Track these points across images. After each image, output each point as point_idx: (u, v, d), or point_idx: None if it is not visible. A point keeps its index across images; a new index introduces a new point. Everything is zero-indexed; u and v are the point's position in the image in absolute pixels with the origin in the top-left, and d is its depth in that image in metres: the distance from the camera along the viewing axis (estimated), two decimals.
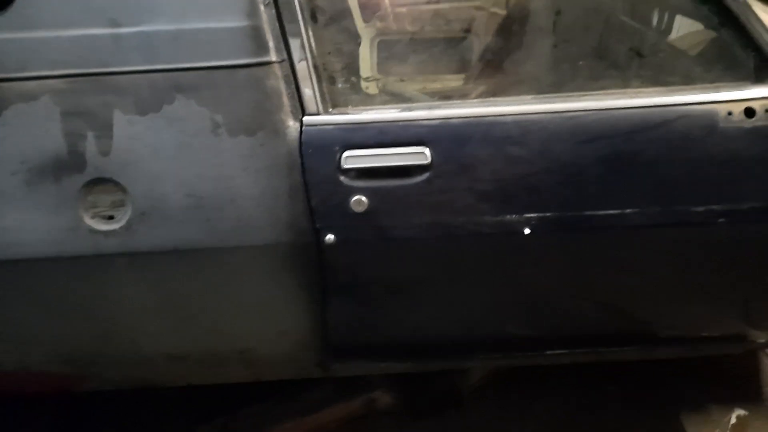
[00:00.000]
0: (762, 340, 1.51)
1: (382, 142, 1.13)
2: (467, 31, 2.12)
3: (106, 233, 1.14)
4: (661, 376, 1.84)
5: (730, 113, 1.13)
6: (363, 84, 1.99)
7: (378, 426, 1.76)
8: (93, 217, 1.14)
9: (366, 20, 2.16)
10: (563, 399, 1.79)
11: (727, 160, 1.14)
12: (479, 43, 2.08)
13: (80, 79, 1.08)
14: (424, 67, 1.97)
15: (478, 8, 2.08)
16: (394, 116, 1.15)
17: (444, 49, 2.06)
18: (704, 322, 1.43)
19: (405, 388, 1.82)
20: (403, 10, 2.20)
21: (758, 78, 1.16)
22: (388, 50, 2.16)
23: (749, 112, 1.13)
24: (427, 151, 1.13)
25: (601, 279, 1.27)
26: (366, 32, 2.16)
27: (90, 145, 1.10)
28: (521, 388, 1.83)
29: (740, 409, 1.77)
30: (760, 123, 1.13)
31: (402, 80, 2.06)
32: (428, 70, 1.96)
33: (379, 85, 1.88)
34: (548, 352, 1.48)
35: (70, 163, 1.10)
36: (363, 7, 2.13)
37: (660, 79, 1.21)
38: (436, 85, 1.89)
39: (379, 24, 2.19)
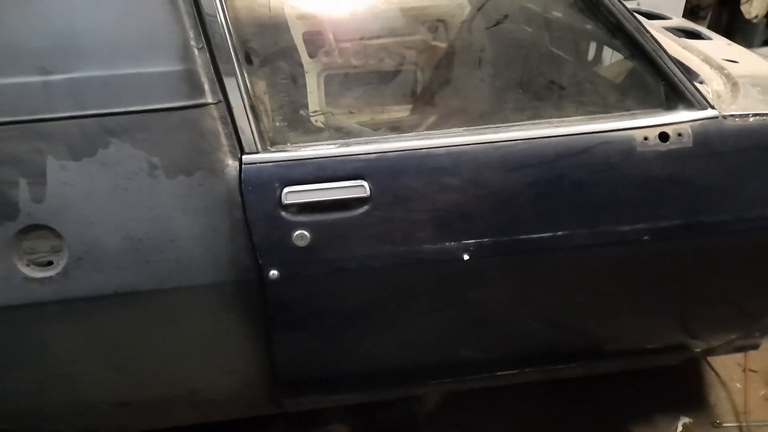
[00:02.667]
0: (699, 349, 1.59)
1: (322, 177, 1.16)
2: (410, 64, 2.19)
3: (42, 280, 1.12)
4: (607, 387, 1.90)
5: (646, 138, 1.21)
6: (311, 118, 2.03)
7: None
8: (28, 265, 1.11)
9: (312, 55, 2.21)
10: (514, 415, 1.83)
11: (645, 182, 1.21)
12: (420, 75, 2.15)
13: (10, 126, 1.07)
14: (368, 99, 2.02)
15: (418, 43, 2.15)
16: (332, 152, 1.18)
17: (386, 82, 2.12)
18: (643, 335, 1.50)
19: (361, 419, 1.82)
20: (348, 45, 2.25)
21: (669, 104, 1.25)
22: (333, 84, 2.21)
23: (663, 137, 1.21)
24: (365, 184, 1.16)
25: (541, 299, 1.32)
26: (312, 67, 2.21)
27: (23, 193, 1.08)
28: (476, 411, 1.86)
29: (685, 417, 1.84)
30: (673, 146, 1.21)
31: (350, 112, 2.11)
32: (372, 102, 2.01)
33: (323, 119, 1.91)
34: (498, 373, 1.51)
35: (1, 211, 1.08)
36: (308, 43, 2.17)
37: (582, 108, 1.28)
38: (381, 117, 1.93)
39: (324, 59, 2.24)
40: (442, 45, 2.05)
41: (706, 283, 1.36)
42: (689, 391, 1.96)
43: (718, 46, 1.69)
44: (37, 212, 1.09)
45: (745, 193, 1.25)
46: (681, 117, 1.23)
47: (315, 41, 2.18)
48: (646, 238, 1.23)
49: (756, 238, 1.28)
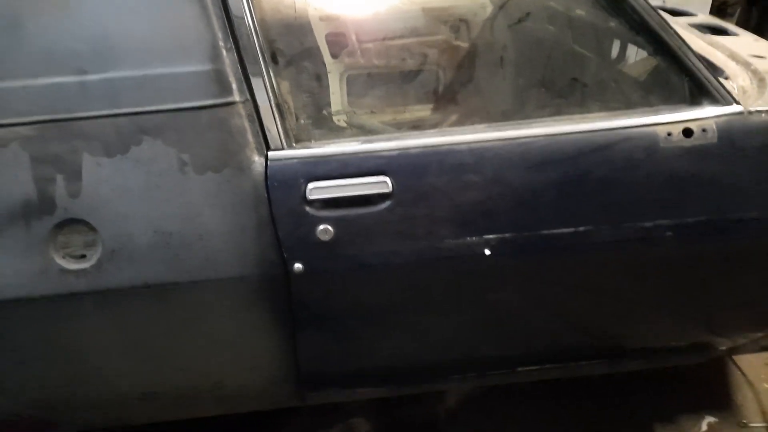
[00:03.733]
0: (724, 348, 1.57)
1: (345, 173, 1.18)
2: (432, 63, 2.21)
3: (77, 272, 1.16)
4: (632, 387, 1.88)
5: (669, 134, 1.21)
6: (334, 117, 2.06)
7: None
8: (64, 257, 1.16)
9: (334, 56, 2.24)
10: (538, 416, 1.83)
11: (669, 178, 1.21)
12: (442, 74, 2.17)
13: (49, 125, 1.12)
14: (390, 99, 2.04)
15: (440, 42, 2.17)
16: (356, 148, 1.20)
17: (407, 82, 2.14)
18: (667, 334, 1.49)
19: (383, 414, 1.84)
20: (370, 45, 2.28)
21: (693, 100, 1.25)
22: (356, 84, 2.24)
23: (687, 132, 1.21)
24: (388, 180, 1.18)
25: (561, 296, 1.32)
26: (335, 67, 2.24)
27: (59, 189, 1.13)
28: (497, 409, 1.86)
29: (710, 416, 1.82)
30: (697, 142, 1.21)
31: (372, 112, 2.13)
32: (394, 102, 2.03)
33: (346, 118, 1.94)
34: (519, 369, 1.52)
35: (40, 206, 1.13)
36: (331, 44, 2.21)
37: (605, 105, 1.29)
38: (402, 117, 1.95)
39: (347, 59, 2.27)
40: (464, 44, 2.07)
41: (730, 281, 1.35)
42: (715, 391, 1.94)
43: (745, 42, 1.67)
44: (73, 207, 1.13)
45: None
46: (705, 113, 1.22)
47: (338, 42, 2.22)
48: (668, 234, 1.23)
49: None
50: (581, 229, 1.22)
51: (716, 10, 3.78)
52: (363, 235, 1.20)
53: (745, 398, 1.90)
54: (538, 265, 1.27)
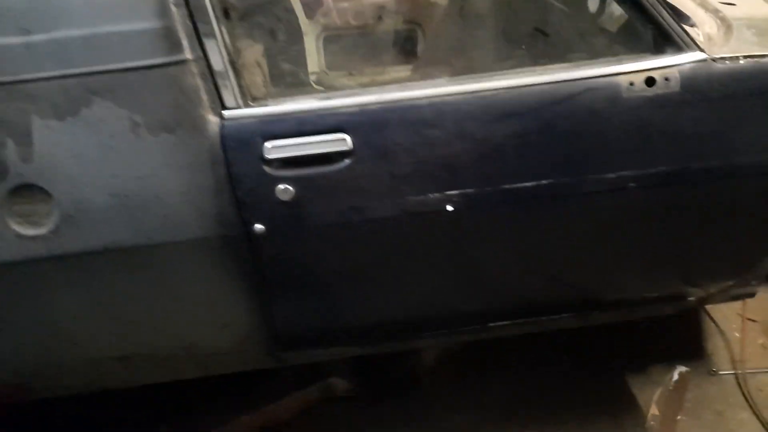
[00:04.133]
0: (694, 298, 1.59)
1: (303, 131, 1.16)
2: (409, 22, 2.16)
3: (35, 238, 1.15)
4: (604, 339, 1.91)
5: (632, 83, 1.19)
6: (311, 78, 2.01)
7: (337, 411, 1.80)
8: (20, 224, 1.15)
9: (309, 17, 2.19)
10: (517, 373, 1.86)
11: (632, 128, 1.20)
12: (420, 33, 2.12)
13: None
14: (366, 59, 2.00)
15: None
16: (313, 106, 1.18)
17: (382, 41, 2.10)
18: (636, 285, 1.50)
19: (362, 373, 1.86)
20: (345, 5, 2.23)
21: (657, 49, 1.22)
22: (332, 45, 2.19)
23: (650, 81, 1.19)
24: (347, 137, 1.16)
25: (526, 249, 1.32)
26: (310, 29, 2.19)
27: (10, 153, 1.11)
28: (476, 367, 1.89)
29: (682, 366, 1.86)
30: (660, 91, 1.19)
31: (351, 74, 2.10)
32: (370, 62, 2.00)
33: (316, 80, 1.90)
34: (491, 325, 1.53)
35: None
36: (305, 5, 2.15)
37: (568, 55, 1.26)
38: (381, 78, 1.91)
39: (322, 20, 2.22)
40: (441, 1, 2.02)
41: (696, 231, 1.36)
42: (687, 340, 1.97)
43: None
44: (26, 172, 1.12)
45: (735, 138, 1.23)
46: (668, 61, 1.20)
47: (312, 2, 2.16)
48: (632, 185, 1.23)
49: (746, 185, 1.26)
50: (544, 182, 1.21)
51: None
52: (324, 194, 1.19)
53: (716, 347, 1.94)
54: (501, 219, 1.27)
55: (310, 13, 2.20)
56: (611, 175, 1.22)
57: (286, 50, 1.62)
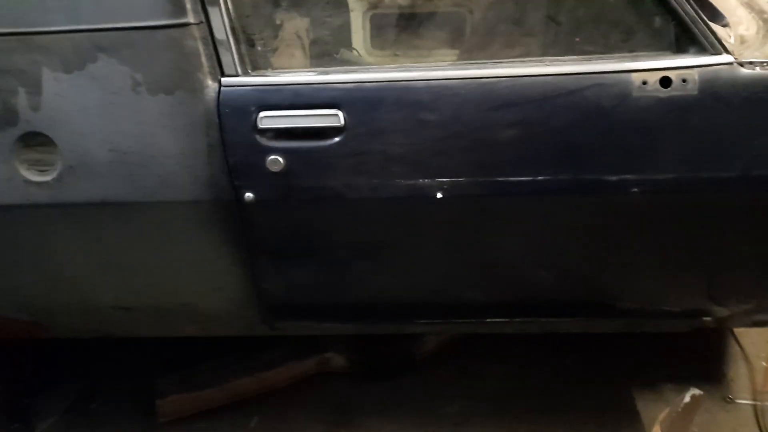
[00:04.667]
0: (710, 317, 1.49)
1: (297, 103, 1.16)
2: (460, 5, 2.11)
3: (40, 184, 1.21)
4: (621, 348, 1.83)
5: (645, 82, 1.11)
6: (353, 54, 2.00)
7: (332, 386, 1.82)
8: (28, 169, 1.21)
9: None
10: (517, 368, 1.82)
11: (639, 129, 1.13)
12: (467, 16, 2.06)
13: (11, 38, 1.15)
14: (411, 41, 1.97)
15: None
16: (310, 79, 1.18)
17: (427, 22, 2.05)
18: (642, 295, 1.42)
19: (359, 351, 1.88)
20: None
21: (679, 47, 1.14)
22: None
23: (665, 82, 1.11)
24: (340, 113, 1.16)
25: (519, 245, 1.28)
26: (357, 5, 2.17)
27: (22, 101, 1.17)
28: (477, 358, 1.86)
29: (696, 388, 1.76)
30: (675, 93, 1.11)
31: (396, 55, 2.08)
32: (415, 44, 1.96)
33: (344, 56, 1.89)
34: (487, 320, 1.50)
35: (4, 117, 1.17)
36: None
37: (582, 47, 1.20)
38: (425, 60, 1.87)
39: None
40: None
41: (709, 243, 1.27)
42: (707, 361, 1.86)
43: None
44: (35, 120, 1.18)
45: (758, 147, 1.13)
46: (688, 61, 1.12)
47: None
48: (634, 190, 1.16)
49: (759, 199, 1.17)
50: (540, 178, 1.17)
51: None
52: (313, 168, 1.19)
53: (738, 374, 1.82)
54: (493, 212, 1.23)
55: None
56: (612, 178, 1.16)
57: (331, 24, 1.61)
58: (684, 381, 1.77)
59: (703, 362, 1.86)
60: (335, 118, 1.15)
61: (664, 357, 1.84)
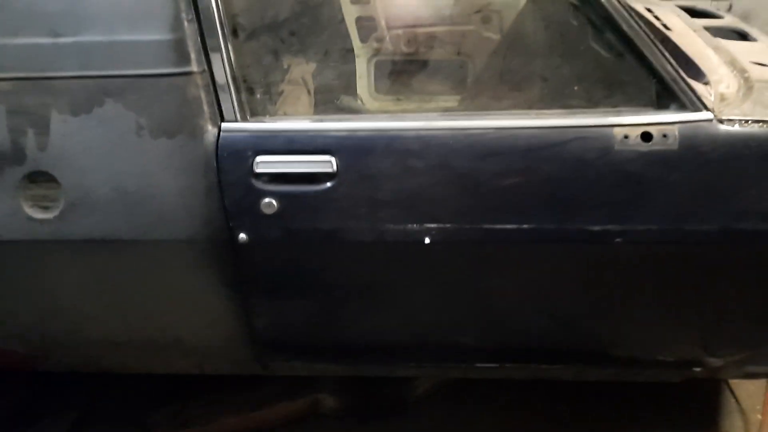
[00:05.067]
0: (699, 368, 1.49)
1: (291, 149, 1.21)
2: (461, 53, 2.18)
3: (42, 221, 1.26)
4: (614, 399, 1.82)
5: (626, 136, 1.16)
6: (358, 101, 2.07)
7: (322, 427, 1.81)
8: (31, 207, 1.26)
9: (363, 40, 2.26)
10: (510, 413, 1.81)
11: (620, 182, 1.16)
12: (471, 64, 2.13)
13: (24, 81, 1.21)
14: (416, 86, 2.03)
15: (470, 32, 2.14)
16: (304, 126, 1.23)
17: (433, 71, 2.12)
18: (628, 343, 1.42)
19: (351, 392, 1.87)
20: (399, 32, 2.28)
21: (660, 104, 1.19)
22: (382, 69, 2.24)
23: (646, 137, 1.15)
24: (333, 159, 1.20)
25: (505, 292, 1.30)
26: (363, 51, 2.26)
27: (30, 141, 1.22)
28: (469, 401, 1.86)
29: None
30: (655, 147, 1.15)
31: (398, 99, 2.14)
32: (420, 89, 2.03)
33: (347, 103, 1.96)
34: (477, 365, 1.51)
35: (12, 156, 1.23)
36: (361, 28, 2.22)
37: (566, 102, 1.25)
38: (427, 106, 1.93)
39: (375, 45, 2.28)
40: (495, 35, 2.03)
41: (694, 293, 1.29)
42: (701, 413, 1.84)
43: (759, 48, 1.56)
44: (41, 159, 1.23)
45: (738, 202, 1.17)
46: (668, 118, 1.16)
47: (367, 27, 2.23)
48: (618, 240, 1.19)
49: (742, 252, 1.19)
50: (524, 226, 1.20)
51: None
52: (306, 212, 1.23)
53: (733, 426, 1.80)
54: (479, 258, 1.26)
55: (364, 36, 2.26)
56: (596, 228, 1.19)
57: (337, 70, 1.68)
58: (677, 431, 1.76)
59: (698, 414, 1.84)
60: (328, 164, 1.20)
61: (659, 408, 1.82)
